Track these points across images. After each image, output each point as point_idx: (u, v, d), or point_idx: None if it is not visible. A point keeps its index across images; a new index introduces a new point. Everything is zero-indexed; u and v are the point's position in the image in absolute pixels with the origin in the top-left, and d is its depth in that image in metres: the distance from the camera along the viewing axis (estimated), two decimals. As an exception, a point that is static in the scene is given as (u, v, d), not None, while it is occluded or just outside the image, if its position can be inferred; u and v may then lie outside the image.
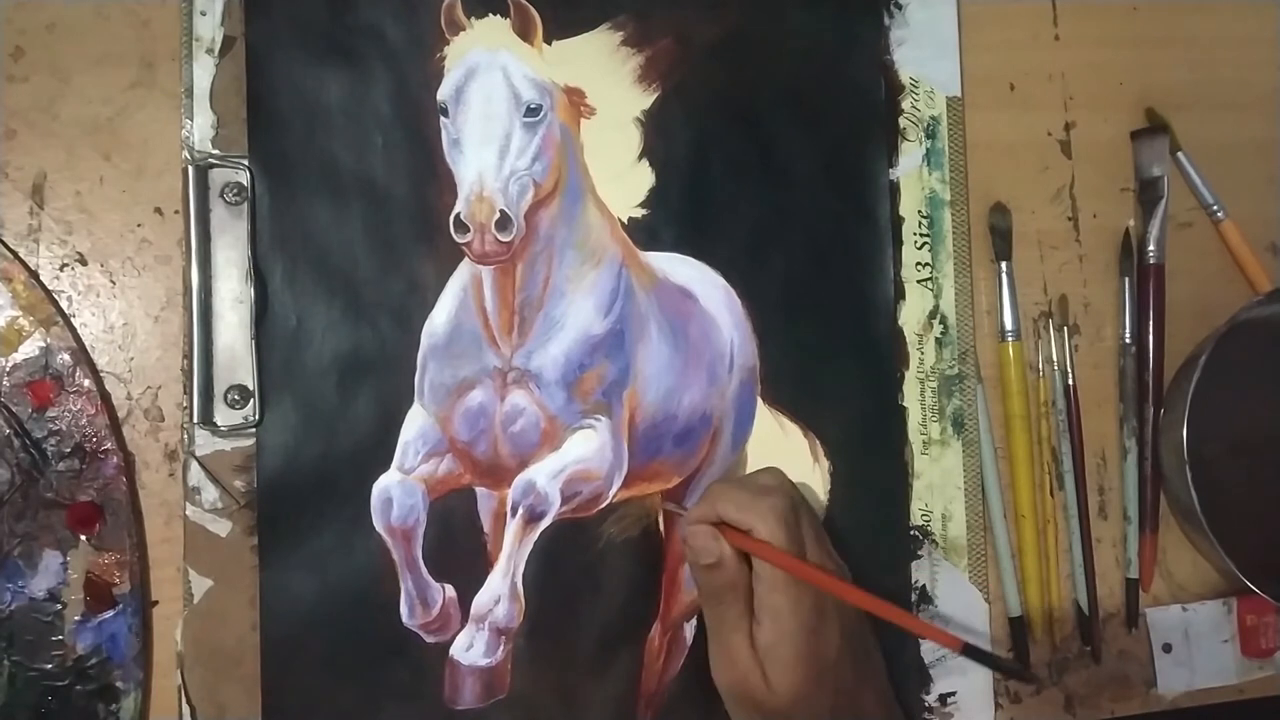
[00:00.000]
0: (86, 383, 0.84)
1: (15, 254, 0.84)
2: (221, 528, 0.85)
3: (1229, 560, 0.92)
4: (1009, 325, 0.97)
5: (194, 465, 0.86)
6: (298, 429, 0.87)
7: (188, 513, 0.85)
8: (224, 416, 0.86)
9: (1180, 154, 1.02)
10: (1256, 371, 1.00)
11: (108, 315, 0.87)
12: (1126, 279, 1.00)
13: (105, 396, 0.86)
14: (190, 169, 0.86)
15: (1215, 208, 1.02)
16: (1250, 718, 1.00)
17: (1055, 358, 0.99)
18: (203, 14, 0.88)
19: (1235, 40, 1.04)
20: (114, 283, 0.87)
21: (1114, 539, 0.99)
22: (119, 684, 0.83)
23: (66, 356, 0.84)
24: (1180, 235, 1.02)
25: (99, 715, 0.83)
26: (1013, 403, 0.97)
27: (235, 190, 0.87)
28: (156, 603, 0.86)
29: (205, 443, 0.86)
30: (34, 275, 0.85)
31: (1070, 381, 0.98)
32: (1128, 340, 1.00)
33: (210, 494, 0.86)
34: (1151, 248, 0.99)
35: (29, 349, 0.83)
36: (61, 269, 0.86)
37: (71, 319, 0.86)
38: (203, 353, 0.86)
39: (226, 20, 0.88)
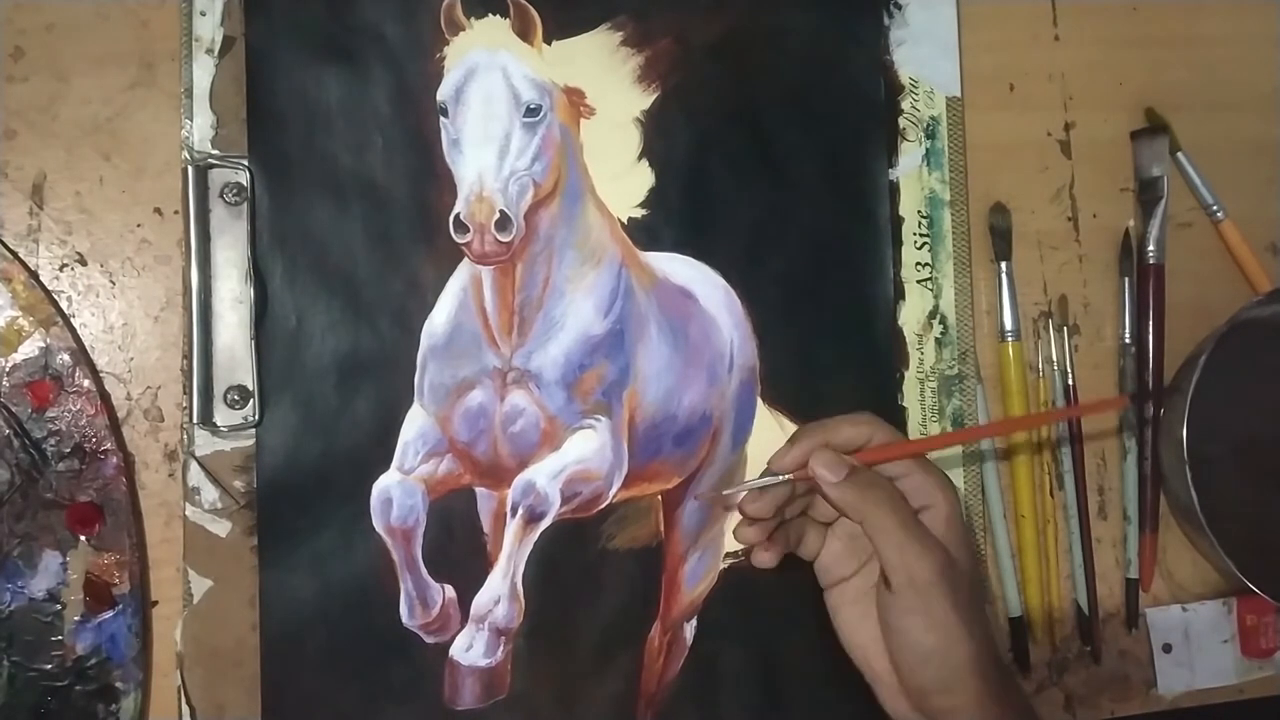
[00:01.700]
0: (86, 383, 0.84)
1: (15, 254, 0.84)
2: (221, 528, 0.85)
3: (1229, 560, 0.92)
4: (1009, 325, 0.97)
5: (194, 465, 0.86)
6: (297, 429, 0.87)
7: (187, 513, 0.85)
8: (224, 416, 0.86)
9: (1180, 154, 1.02)
10: (1256, 371, 1.00)
11: (107, 315, 0.87)
12: (1126, 279, 1.00)
13: (105, 396, 0.86)
14: (190, 169, 0.86)
15: (1215, 208, 1.02)
16: (1250, 718, 1.01)
17: (1055, 358, 0.99)
18: (202, 14, 0.88)
19: (1235, 40, 1.04)
20: (114, 283, 0.87)
21: (1114, 539, 0.99)
22: (118, 684, 0.83)
23: (66, 356, 0.84)
24: (1180, 235, 1.02)
25: (98, 715, 0.83)
26: (1012, 402, 0.97)
27: (235, 190, 0.87)
28: (156, 603, 0.86)
29: (205, 443, 0.86)
30: (34, 275, 0.85)
31: (1070, 381, 0.98)
32: (1128, 340, 1.00)
33: (210, 494, 0.86)
34: (1151, 248, 0.99)
35: (29, 349, 0.83)
36: (61, 269, 0.86)
37: (71, 319, 0.85)
38: (202, 353, 0.86)
39: (226, 20, 0.88)
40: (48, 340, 0.83)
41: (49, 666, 0.82)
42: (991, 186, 0.99)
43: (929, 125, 0.98)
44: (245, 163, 0.87)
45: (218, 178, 0.87)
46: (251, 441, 0.86)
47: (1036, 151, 1.01)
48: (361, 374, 0.88)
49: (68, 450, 0.83)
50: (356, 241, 0.88)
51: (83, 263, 0.87)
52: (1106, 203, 1.02)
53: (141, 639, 0.84)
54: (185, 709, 0.85)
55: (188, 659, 0.85)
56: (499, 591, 0.88)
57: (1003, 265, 0.98)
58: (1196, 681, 0.99)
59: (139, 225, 0.87)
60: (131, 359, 0.87)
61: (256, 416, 0.86)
